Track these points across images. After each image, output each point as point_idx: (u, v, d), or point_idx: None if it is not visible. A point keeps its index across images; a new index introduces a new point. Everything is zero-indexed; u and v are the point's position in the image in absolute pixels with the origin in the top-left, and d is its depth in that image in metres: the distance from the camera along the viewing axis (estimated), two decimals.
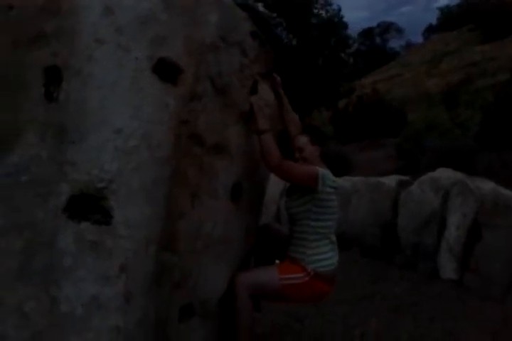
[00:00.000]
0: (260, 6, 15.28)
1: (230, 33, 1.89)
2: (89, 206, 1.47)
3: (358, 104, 13.95)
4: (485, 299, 4.04)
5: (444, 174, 4.90)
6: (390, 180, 5.54)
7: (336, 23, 15.87)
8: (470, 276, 4.33)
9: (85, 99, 1.52)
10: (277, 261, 2.52)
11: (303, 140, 2.43)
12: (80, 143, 1.49)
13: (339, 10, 16.01)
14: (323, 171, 2.23)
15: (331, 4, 16.36)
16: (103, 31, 1.56)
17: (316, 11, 15.89)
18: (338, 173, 8.48)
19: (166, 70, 1.60)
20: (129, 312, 1.46)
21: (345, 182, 6.63)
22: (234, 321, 2.01)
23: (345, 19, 16.75)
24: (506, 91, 8.63)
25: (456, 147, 6.76)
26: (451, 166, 5.26)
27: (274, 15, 15.88)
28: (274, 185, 8.16)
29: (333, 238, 2.37)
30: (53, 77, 1.53)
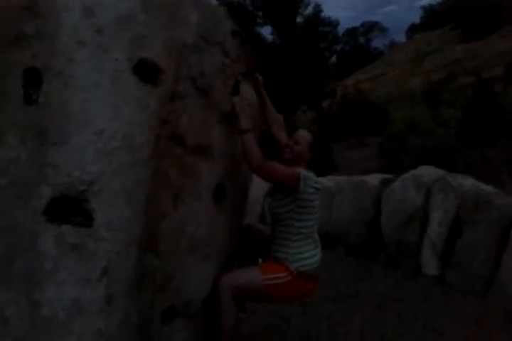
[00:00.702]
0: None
1: (211, 33, 1.89)
2: (71, 208, 1.46)
3: (342, 104, 14.04)
4: (467, 294, 4.10)
5: (426, 171, 4.95)
6: (373, 179, 5.58)
7: (323, 22, 15.94)
8: (452, 272, 4.39)
9: (66, 101, 1.50)
10: (260, 261, 2.52)
11: (305, 137, 2.43)
12: (61, 145, 1.47)
13: (320, 10, 16.08)
14: (304, 172, 2.24)
15: (318, 5, 16.42)
16: (84, 32, 1.55)
17: (301, 10, 15.94)
18: (322, 173, 8.56)
19: (146, 71, 1.59)
20: (111, 315, 1.46)
21: (329, 181, 6.67)
22: (218, 322, 2.01)
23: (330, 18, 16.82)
24: (486, 90, 8.76)
25: (437, 145, 6.85)
26: (433, 164, 5.33)
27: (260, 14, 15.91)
28: (259, 186, 8.17)
29: (316, 236, 2.39)
30: (33, 79, 1.52)
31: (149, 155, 1.59)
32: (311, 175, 2.31)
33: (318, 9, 16.15)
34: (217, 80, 1.95)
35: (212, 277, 2.03)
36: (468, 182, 4.50)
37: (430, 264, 4.57)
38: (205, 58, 1.84)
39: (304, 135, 2.44)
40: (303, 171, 2.24)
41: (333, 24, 16.90)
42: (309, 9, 16.13)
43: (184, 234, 1.81)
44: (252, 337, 3.40)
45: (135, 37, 1.59)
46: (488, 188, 4.36)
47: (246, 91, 2.34)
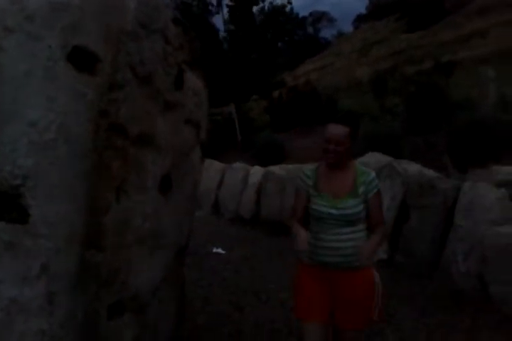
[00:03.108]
0: None
1: (150, 20, 1.84)
2: (4, 204, 1.39)
3: (291, 93, 14.14)
4: (414, 276, 4.25)
5: (373, 158, 5.08)
6: None
7: (281, 12, 15.88)
8: (400, 256, 4.54)
9: None
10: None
11: (341, 133, 2.19)
12: None
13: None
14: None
15: None
16: (11, 19, 1.46)
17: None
18: (273, 161, 8.57)
19: (81, 59, 1.52)
20: (54, 314, 1.40)
21: (280, 170, 6.71)
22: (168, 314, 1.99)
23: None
24: (430, 78, 9.04)
25: (383, 132, 7.03)
26: (380, 150, 5.46)
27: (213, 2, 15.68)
28: (211, 177, 8.15)
29: None
30: None
31: (88, 147, 1.53)
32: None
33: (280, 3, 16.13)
34: (158, 68, 1.90)
35: (162, 269, 2.00)
36: (413, 167, 4.65)
37: (379, 249, 4.70)
38: (144, 46, 1.78)
39: (341, 131, 2.19)
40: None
41: (290, 15, 16.87)
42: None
43: (129, 227, 1.77)
44: (206, 326, 3.40)
45: (69, 23, 1.51)
46: (432, 173, 4.52)
47: (191, 80, 2.30)
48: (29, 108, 1.42)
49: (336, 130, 2.20)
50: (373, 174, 2.32)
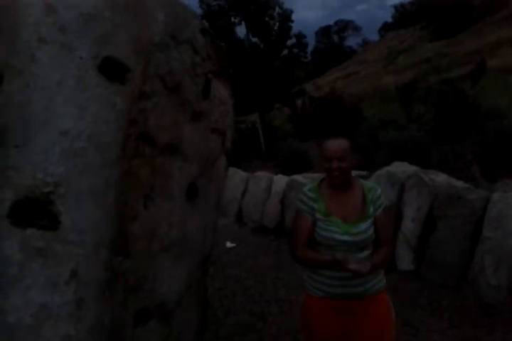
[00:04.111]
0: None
1: (179, 31, 1.87)
2: (36, 211, 1.42)
3: (316, 102, 14.12)
4: (441, 288, 4.17)
5: (400, 168, 5.02)
6: None
7: (290, 24, 15.96)
8: (426, 267, 4.46)
9: (29, 101, 1.45)
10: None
11: (343, 148, 2.02)
12: (24, 146, 1.43)
13: (291, 11, 16.09)
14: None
15: (281, 7, 16.36)
16: (45, 30, 1.51)
17: (272, 11, 15.93)
18: (298, 170, 8.54)
19: (112, 69, 1.55)
20: (81, 320, 1.42)
21: (304, 179, 6.69)
22: (191, 322, 1.99)
23: (301, 18, 16.85)
24: (456, 88, 8.92)
25: (410, 141, 6.94)
26: (406, 160, 5.40)
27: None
28: (235, 186, 8.17)
29: None
30: None
31: (118, 155, 1.56)
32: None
33: (289, 11, 16.19)
34: (186, 78, 1.92)
35: (187, 277, 2.01)
36: (440, 178, 4.58)
37: (405, 259, 4.63)
38: (173, 56, 1.81)
39: (341, 145, 2.04)
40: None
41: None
42: (278, 10, 16.15)
43: (156, 234, 1.79)
44: (229, 335, 3.39)
45: (100, 35, 1.55)
46: (460, 184, 4.44)
47: (218, 90, 2.32)
48: (61, 117, 1.46)
49: (336, 144, 2.03)
50: (379, 189, 2.14)
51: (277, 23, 15.62)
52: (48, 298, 1.36)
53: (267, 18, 15.37)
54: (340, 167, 2.01)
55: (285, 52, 15.83)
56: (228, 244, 5.94)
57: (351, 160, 2.04)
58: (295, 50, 16.35)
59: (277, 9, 15.74)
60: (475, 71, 10.92)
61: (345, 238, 2.03)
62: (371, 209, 2.06)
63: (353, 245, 2.04)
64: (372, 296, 2.08)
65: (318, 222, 2.10)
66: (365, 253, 2.06)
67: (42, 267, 1.37)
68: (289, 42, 16.06)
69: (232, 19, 15.91)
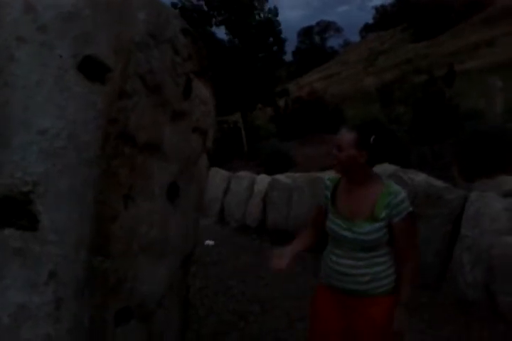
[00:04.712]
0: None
1: (160, 30, 1.86)
2: (14, 211, 1.40)
3: (298, 102, 14.20)
4: (421, 287, 4.22)
5: (380, 167, 5.07)
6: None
7: (274, 23, 16.00)
8: None
9: (7, 101, 1.44)
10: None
11: (346, 138, 1.98)
12: (2, 146, 1.41)
13: (276, 10, 16.14)
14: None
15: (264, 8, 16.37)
16: (24, 29, 1.49)
17: (256, 11, 15.95)
18: (280, 170, 8.57)
19: (92, 69, 1.55)
20: (60, 320, 1.41)
21: (286, 178, 6.72)
22: (173, 322, 1.99)
23: (282, 18, 16.85)
24: (436, 88, 9.05)
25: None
26: (385, 160, 5.45)
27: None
28: (217, 185, 8.17)
29: None
30: None
31: (97, 154, 1.55)
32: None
33: (274, 12, 16.20)
34: (167, 78, 1.92)
35: (168, 277, 2.01)
36: (419, 177, 4.65)
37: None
38: (154, 56, 1.81)
39: (345, 136, 2.00)
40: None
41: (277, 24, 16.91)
42: (265, 11, 16.17)
43: (136, 234, 1.78)
44: (211, 335, 3.39)
45: (80, 34, 1.54)
46: (439, 183, 4.51)
47: (199, 89, 2.32)
48: (40, 116, 1.45)
49: (341, 134, 2.01)
50: (402, 195, 1.98)
51: (260, 21, 15.64)
52: (26, 298, 1.35)
53: (251, 21, 15.40)
54: (337, 156, 2.00)
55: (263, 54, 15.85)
56: (207, 242, 5.94)
57: (354, 155, 1.96)
58: (275, 48, 16.37)
59: (263, 10, 15.78)
60: (454, 72, 11.10)
61: (346, 234, 2.02)
62: (383, 214, 1.96)
63: (353, 243, 2.01)
64: (376, 298, 2.03)
65: (329, 213, 2.13)
66: (369, 254, 2.01)
67: (20, 267, 1.36)
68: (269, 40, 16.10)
69: (214, 20, 15.91)
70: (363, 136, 1.97)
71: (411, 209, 2.00)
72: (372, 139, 1.96)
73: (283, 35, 16.25)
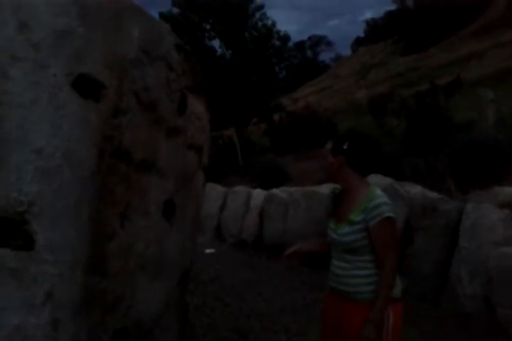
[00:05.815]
0: None
1: (154, 47, 1.87)
2: (10, 231, 1.39)
3: (291, 117, 14.26)
4: (419, 299, 4.19)
5: (375, 179, 5.07)
6: (325, 189, 5.67)
7: (272, 36, 16.15)
8: (404, 278, 4.49)
9: (2, 119, 1.44)
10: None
11: (326, 147, 2.21)
12: None
13: (273, 24, 16.31)
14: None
15: (263, 20, 16.56)
16: (18, 47, 1.50)
17: (252, 24, 16.10)
18: (275, 184, 8.54)
19: (86, 86, 1.55)
20: (58, 340, 1.39)
21: (282, 192, 6.71)
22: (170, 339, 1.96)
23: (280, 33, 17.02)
24: (428, 100, 9.13)
25: (383, 153, 7.04)
26: (380, 172, 5.45)
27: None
28: (213, 201, 8.14)
29: None
30: None
31: (93, 172, 1.54)
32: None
33: (271, 24, 16.36)
34: (162, 95, 1.92)
35: (165, 295, 1.99)
36: (415, 189, 4.65)
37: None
38: (148, 72, 1.81)
39: (326, 146, 2.21)
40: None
41: (284, 38, 17.12)
42: (259, 24, 16.31)
43: (133, 252, 1.76)
44: None
45: (74, 52, 1.55)
46: (435, 195, 4.52)
47: (193, 105, 2.33)
48: (35, 135, 1.44)
49: (326, 146, 2.24)
50: (379, 200, 2.06)
51: (256, 35, 15.78)
52: (22, 319, 1.33)
53: (246, 33, 15.53)
54: (324, 165, 2.23)
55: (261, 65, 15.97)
56: (207, 250, 5.88)
57: (331, 161, 2.15)
58: (274, 60, 16.52)
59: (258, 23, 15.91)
60: (450, 85, 11.21)
61: (334, 236, 2.16)
62: (360, 217, 2.05)
63: (338, 245, 2.15)
64: (361, 304, 2.06)
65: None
66: (354, 258, 2.10)
67: (17, 288, 1.34)
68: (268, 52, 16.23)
69: (206, 34, 16.04)
70: (337, 143, 2.17)
71: (388, 214, 2.04)
72: (346, 144, 2.12)
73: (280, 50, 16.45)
